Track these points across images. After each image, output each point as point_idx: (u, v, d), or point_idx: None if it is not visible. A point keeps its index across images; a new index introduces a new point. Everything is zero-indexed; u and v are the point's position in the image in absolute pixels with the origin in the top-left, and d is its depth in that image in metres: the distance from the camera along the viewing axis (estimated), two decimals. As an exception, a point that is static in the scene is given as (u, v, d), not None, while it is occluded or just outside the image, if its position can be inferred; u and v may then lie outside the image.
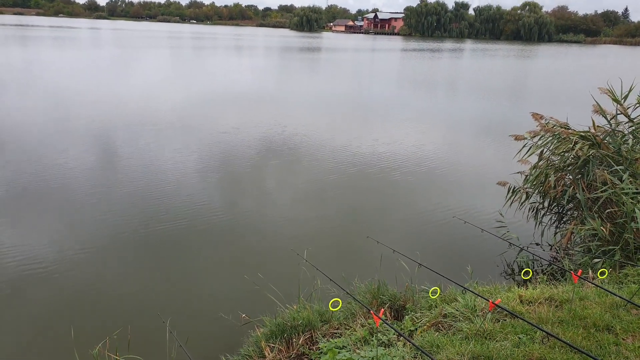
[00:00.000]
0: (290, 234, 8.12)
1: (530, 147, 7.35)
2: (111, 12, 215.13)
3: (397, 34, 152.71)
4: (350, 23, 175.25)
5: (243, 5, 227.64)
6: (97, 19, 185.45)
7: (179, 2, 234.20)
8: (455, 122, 18.46)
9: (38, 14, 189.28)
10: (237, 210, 9.02)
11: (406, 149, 13.64)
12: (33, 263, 6.83)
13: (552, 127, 7.11)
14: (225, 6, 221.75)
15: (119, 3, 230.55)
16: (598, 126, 6.86)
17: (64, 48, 47.75)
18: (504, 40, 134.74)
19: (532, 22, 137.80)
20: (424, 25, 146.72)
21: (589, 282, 4.38)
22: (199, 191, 9.80)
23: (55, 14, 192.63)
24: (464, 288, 4.49)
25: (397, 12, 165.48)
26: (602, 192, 6.04)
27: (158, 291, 6.36)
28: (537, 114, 7.48)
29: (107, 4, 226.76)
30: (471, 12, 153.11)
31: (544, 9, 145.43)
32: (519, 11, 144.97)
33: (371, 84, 30.27)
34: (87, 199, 9.17)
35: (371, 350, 3.91)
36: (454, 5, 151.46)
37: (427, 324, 4.41)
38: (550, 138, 7.09)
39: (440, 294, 4.54)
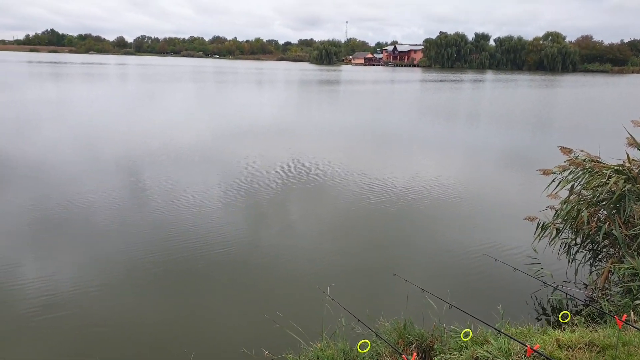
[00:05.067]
0: (313, 269, 7.98)
1: (560, 182, 7.13)
2: (138, 48, 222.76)
3: (417, 65, 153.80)
4: (369, 55, 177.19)
5: (264, 40, 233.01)
6: (125, 55, 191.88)
7: (202, 38, 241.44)
8: (480, 154, 18.26)
9: (71, 52, 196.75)
10: (260, 243, 8.94)
11: (431, 182, 13.45)
12: (56, 295, 6.85)
13: (583, 161, 6.90)
14: (247, 41, 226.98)
15: (145, 40, 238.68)
16: (633, 159, 6.64)
17: (95, 84, 49.14)
18: (526, 71, 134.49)
19: (555, 52, 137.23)
20: (443, 57, 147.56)
21: (635, 327, 4.13)
22: (220, 224, 9.76)
23: (87, 51, 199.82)
24: (498, 331, 4.27)
25: (416, 44, 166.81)
26: (640, 228, 5.79)
27: (180, 325, 6.32)
28: (566, 147, 7.29)
29: (134, 40, 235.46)
30: (492, 43, 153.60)
31: (567, 39, 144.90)
32: (541, 41, 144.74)
33: (393, 115, 30.29)
34: (109, 231, 9.22)
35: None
36: (474, 36, 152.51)
37: (458, 367, 4.20)
38: (581, 172, 6.87)
39: (471, 336, 4.34)
